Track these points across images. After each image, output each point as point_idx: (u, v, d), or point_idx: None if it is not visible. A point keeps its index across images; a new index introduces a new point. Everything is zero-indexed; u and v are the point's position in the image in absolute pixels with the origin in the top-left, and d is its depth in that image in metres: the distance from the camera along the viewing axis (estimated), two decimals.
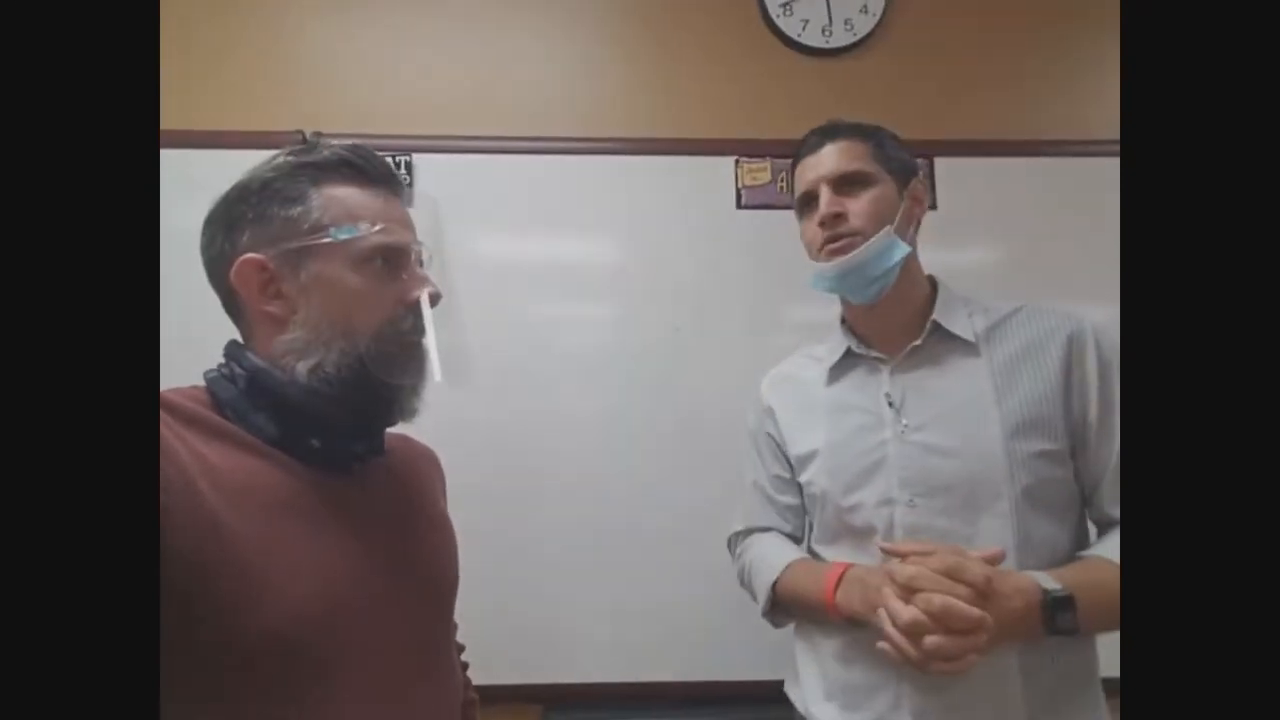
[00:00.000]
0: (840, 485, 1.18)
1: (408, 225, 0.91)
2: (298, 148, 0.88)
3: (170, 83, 1.79)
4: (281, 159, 0.87)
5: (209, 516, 0.70)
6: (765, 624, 1.29)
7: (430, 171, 1.90)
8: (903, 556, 1.03)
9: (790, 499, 1.31)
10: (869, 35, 2.05)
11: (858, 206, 1.16)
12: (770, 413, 1.33)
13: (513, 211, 1.93)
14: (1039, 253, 1.96)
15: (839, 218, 1.16)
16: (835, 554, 1.21)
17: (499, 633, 1.74)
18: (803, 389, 1.30)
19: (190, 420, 0.77)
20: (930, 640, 0.94)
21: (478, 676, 1.11)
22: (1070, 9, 2.07)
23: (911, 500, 1.12)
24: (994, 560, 1.00)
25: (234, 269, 0.82)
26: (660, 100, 2.03)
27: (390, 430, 0.94)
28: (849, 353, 1.24)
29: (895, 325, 1.21)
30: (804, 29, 2.04)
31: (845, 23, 2.04)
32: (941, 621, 0.94)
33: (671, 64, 2.04)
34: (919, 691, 1.09)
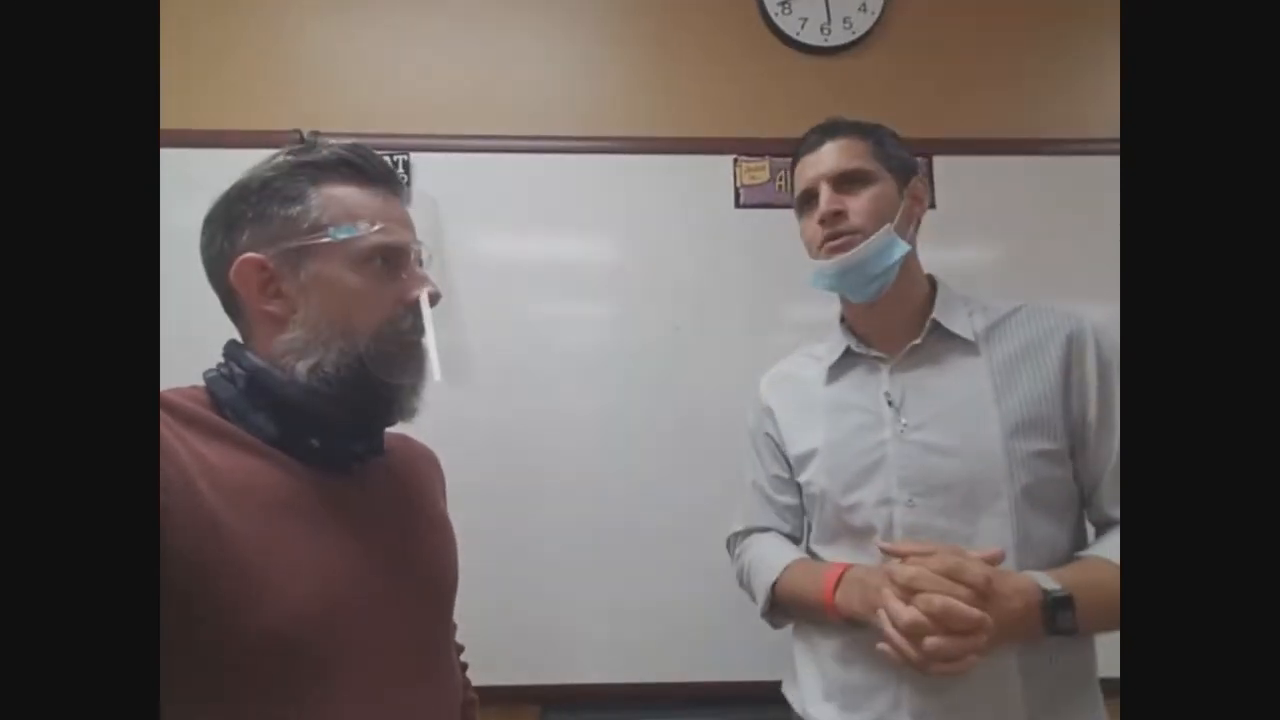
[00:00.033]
0: (839, 485, 1.18)
1: (407, 225, 0.91)
2: (297, 147, 0.88)
3: (170, 82, 1.79)
4: (281, 158, 0.87)
5: (209, 516, 0.70)
6: (764, 624, 1.29)
7: (429, 171, 1.90)
8: (902, 557, 1.03)
9: (789, 499, 1.31)
10: (868, 34, 2.05)
11: (858, 204, 1.16)
12: (769, 412, 1.33)
13: (512, 211, 1.93)
14: (1037, 252, 1.95)
15: (839, 215, 1.16)
16: (834, 554, 1.21)
17: (497, 633, 1.74)
18: (802, 388, 1.30)
19: (190, 420, 0.77)
20: (930, 641, 0.93)
21: (476, 677, 1.11)
22: (1070, 8, 2.07)
23: (911, 500, 1.12)
24: (994, 560, 1.00)
25: (233, 268, 0.82)
26: (659, 99, 2.03)
27: (390, 430, 0.94)
28: (848, 352, 1.24)
29: (895, 324, 1.21)
30: (803, 27, 2.04)
31: (844, 21, 2.04)
32: (941, 622, 0.94)
33: (670, 63, 2.04)
34: (918, 692, 1.09)
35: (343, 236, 0.83)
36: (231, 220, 0.84)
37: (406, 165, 1.88)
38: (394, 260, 0.87)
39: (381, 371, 0.84)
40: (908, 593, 0.97)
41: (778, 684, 1.33)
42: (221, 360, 0.86)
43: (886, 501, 1.14)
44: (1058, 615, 0.98)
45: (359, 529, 0.85)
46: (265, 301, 0.83)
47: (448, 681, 0.95)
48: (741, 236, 1.94)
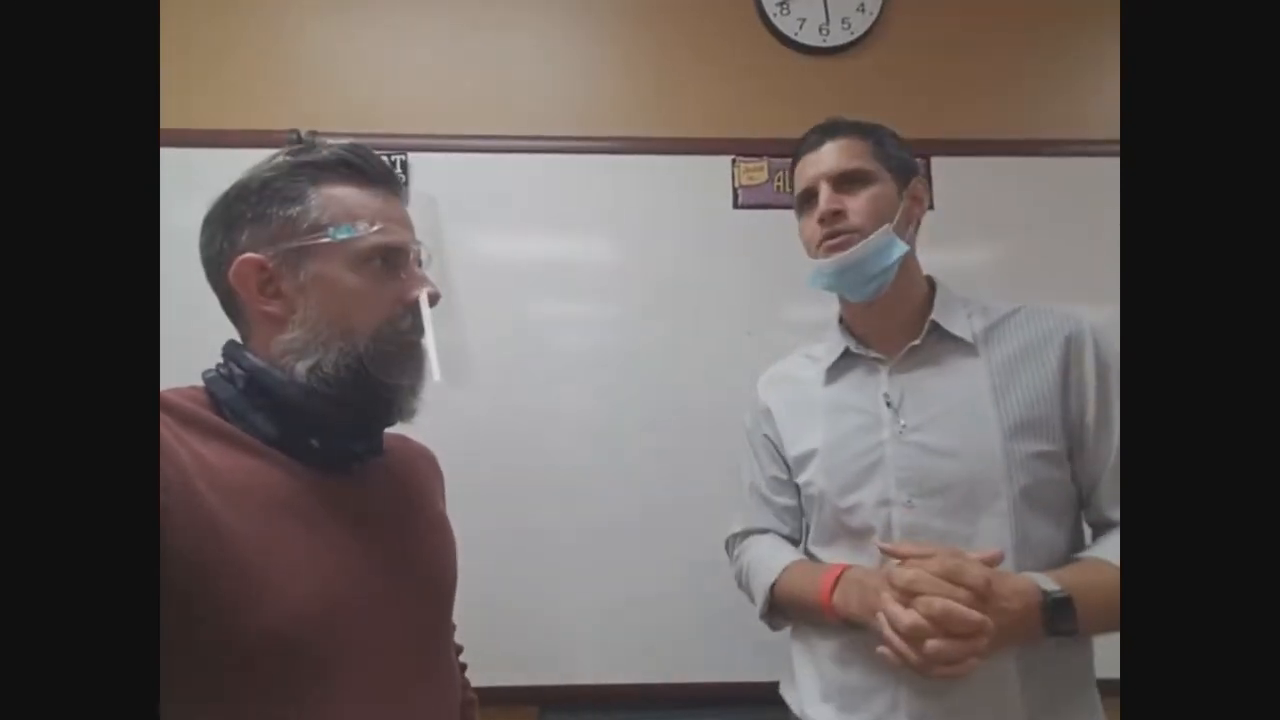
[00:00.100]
0: (838, 486, 1.18)
1: (407, 225, 0.91)
2: (297, 147, 0.88)
3: (170, 81, 1.79)
4: (280, 158, 0.87)
5: (208, 517, 0.70)
6: (762, 625, 1.29)
7: (427, 171, 1.90)
8: (902, 559, 1.03)
9: (788, 500, 1.30)
10: (866, 34, 2.05)
11: (857, 204, 1.16)
12: (767, 413, 1.32)
13: (510, 211, 1.93)
14: (1035, 253, 1.96)
15: (838, 215, 1.16)
16: (832, 555, 1.20)
17: (495, 633, 1.74)
18: (800, 389, 1.30)
19: (189, 420, 0.77)
20: (931, 644, 0.93)
21: (474, 677, 1.11)
22: (1069, 8, 2.07)
23: (910, 501, 1.12)
24: (992, 562, 1.00)
25: (232, 268, 0.82)
26: (657, 99, 2.03)
27: (388, 430, 0.94)
28: (847, 352, 1.24)
29: (894, 325, 1.21)
30: (801, 28, 2.04)
31: (842, 21, 2.04)
32: (941, 625, 0.93)
33: (668, 63, 2.04)
34: (916, 694, 1.08)
35: (342, 237, 0.83)
36: (231, 220, 0.84)
37: (404, 165, 1.88)
38: (393, 260, 0.87)
39: (381, 372, 0.84)
40: (907, 596, 0.97)
41: (776, 685, 1.32)
42: (221, 360, 0.86)
43: (885, 502, 1.13)
44: (1057, 616, 0.98)
45: (358, 529, 0.85)
46: (264, 302, 0.83)
47: (447, 681, 0.95)
48: (740, 237, 1.94)
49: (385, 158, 0.92)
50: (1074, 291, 1.88)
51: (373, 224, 0.85)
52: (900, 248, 1.15)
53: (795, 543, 1.31)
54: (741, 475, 1.39)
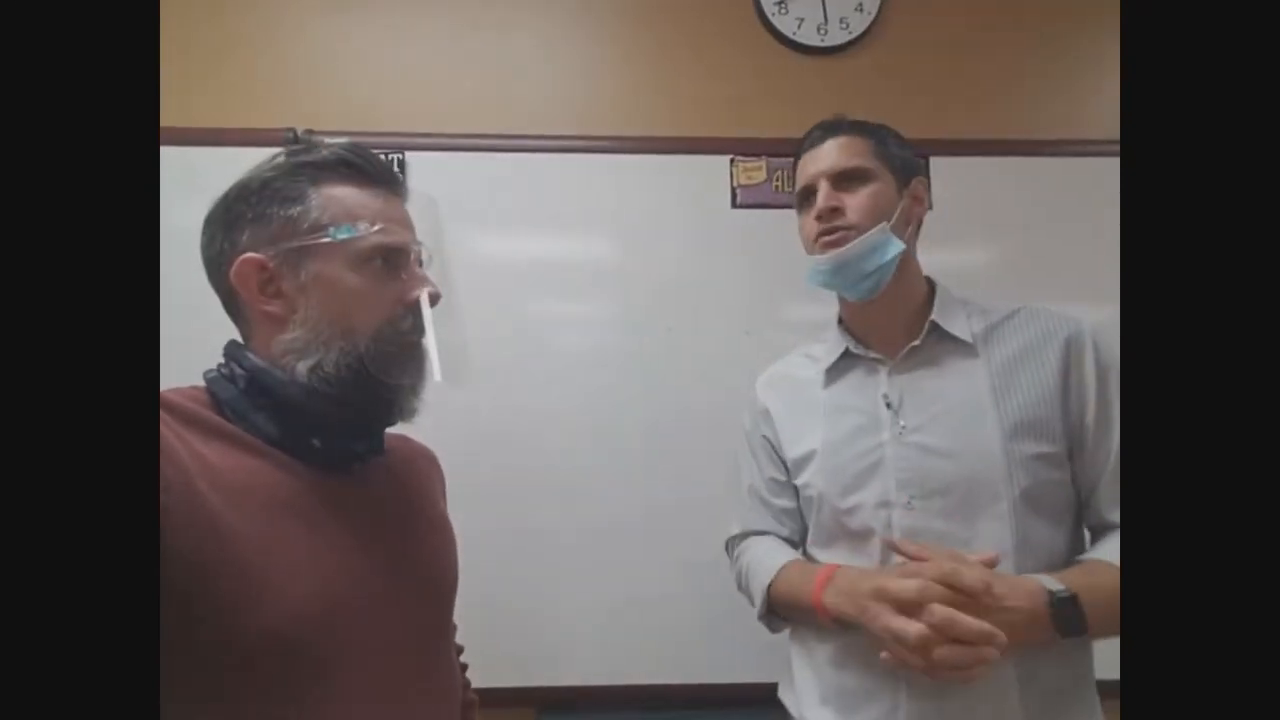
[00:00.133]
0: (837, 487, 1.18)
1: (407, 225, 0.91)
2: (297, 147, 0.88)
3: (170, 80, 1.78)
4: (281, 158, 0.87)
5: (208, 517, 0.70)
6: (761, 627, 1.29)
7: (425, 170, 1.88)
8: (910, 556, 1.03)
9: (786, 502, 1.30)
10: (865, 33, 2.05)
11: (855, 202, 1.16)
12: (766, 414, 1.32)
13: (507, 210, 1.92)
14: (1035, 253, 1.95)
15: (835, 212, 1.16)
16: (832, 557, 1.20)
17: (493, 634, 1.73)
18: (799, 389, 1.30)
19: (190, 420, 0.77)
20: (938, 652, 0.94)
21: (472, 678, 1.11)
22: (1068, 8, 2.07)
23: (909, 502, 1.12)
24: (990, 564, 1.00)
25: (233, 268, 0.82)
26: (656, 99, 2.03)
27: (389, 430, 0.94)
28: (847, 353, 1.24)
29: (893, 325, 1.21)
30: (799, 27, 2.04)
31: (841, 21, 2.04)
32: (944, 632, 0.94)
33: (667, 62, 2.04)
34: (916, 698, 1.08)
35: (343, 237, 0.83)
36: (231, 220, 0.84)
37: (401, 164, 1.88)
38: (394, 260, 0.87)
39: (381, 372, 0.84)
40: (904, 607, 0.98)
41: (775, 686, 1.32)
42: (222, 360, 0.86)
43: (885, 504, 1.13)
44: (1066, 617, 0.98)
45: (359, 529, 0.85)
46: (265, 301, 0.83)
47: (448, 682, 0.95)
48: (738, 236, 1.94)
49: (382, 156, 0.92)
50: (1073, 292, 1.88)
51: (373, 224, 0.85)
52: (896, 246, 1.15)
53: (795, 545, 1.30)
54: (740, 477, 1.38)
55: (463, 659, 1.09)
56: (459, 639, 1.07)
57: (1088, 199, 1.93)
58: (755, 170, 1.97)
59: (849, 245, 1.15)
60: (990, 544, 1.06)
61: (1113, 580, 0.99)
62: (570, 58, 2.03)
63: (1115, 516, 1.10)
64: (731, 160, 1.97)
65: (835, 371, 1.25)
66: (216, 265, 0.85)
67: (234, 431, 0.80)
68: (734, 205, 1.96)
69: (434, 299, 0.89)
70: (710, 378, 1.88)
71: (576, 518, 1.85)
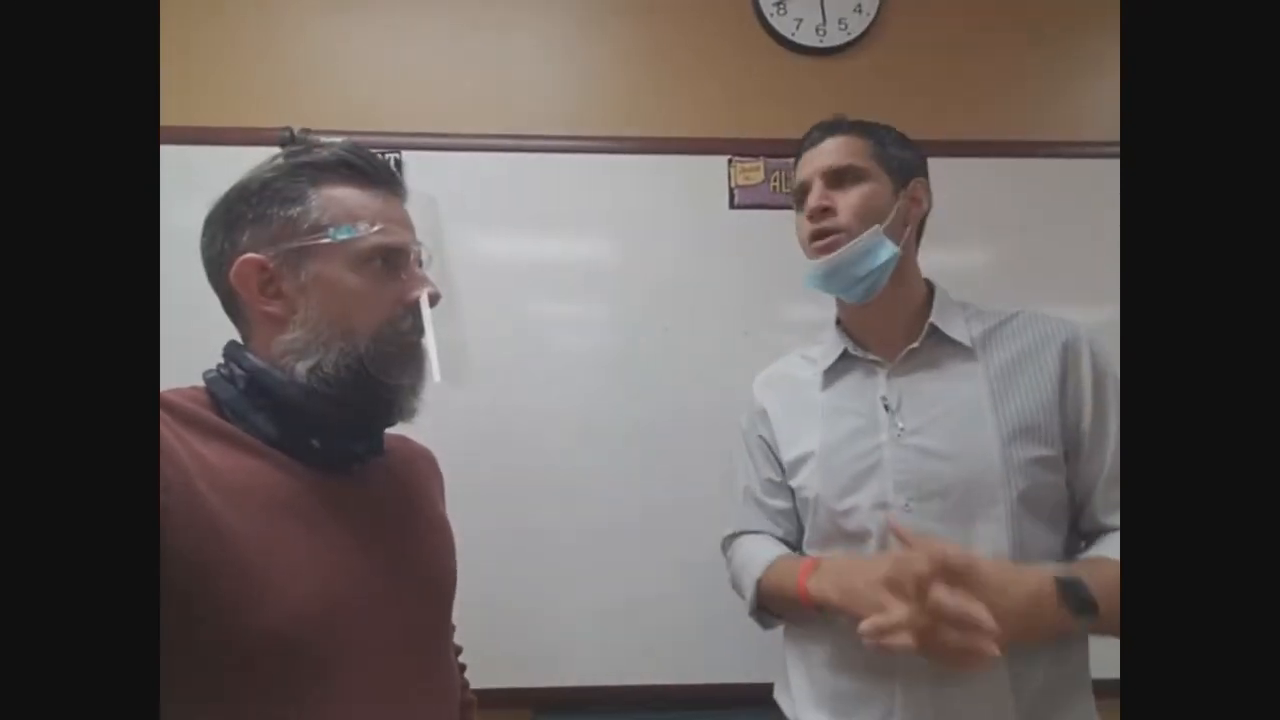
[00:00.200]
0: (834, 489, 1.18)
1: (407, 225, 0.91)
2: (297, 148, 0.88)
3: (169, 79, 1.77)
4: (281, 159, 0.87)
5: (208, 517, 0.70)
6: (756, 628, 1.29)
7: (425, 170, 1.89)
8: (909, 544, 1.00)
9: (782, 503, 1.30)
10: (863, 34, 2.04)
11: (846, 202, 1.16)
12: (763, 414, 1.32)
13: (505, 210, 1.92)
14: (1032, 254, 1.95)
15: (826, 211, 1.16)
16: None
17: (489, 635, 1.73)
18: (797, 390, 1.30)
19: (189, 420, 0.77)
20: (936, 636, 0.91)
21: (470, 679, 1.11)
22: (1067, 8, 2.07)
23: (907, 504, 1.11)
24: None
25: (233, 269, 0.83)
26: (654, 99, 2.03)
27: (389, 431, 0.94)
28: (845, 354, 1.24)
29: (892, 327, 1.21)
30: (798, 28, 2.04)
31: (839, 22, 2.04)
32: (937, 614, 0.91)
33: (665, 63, 2.03)
34: (911, 701, 1.08)
35: (343, 237, 0.83)
36: (231, 221, 0.84)
37: (398, 164, 1.87)
38: (394, 261, 0.87)
39: (381, 372, 0.84)
40: (894, 587, 0.96)
41: (771, 686, 1.32)
42: (221, 361, 0.86)
43: (882, 505, 1.13)
44: (1076, 594, 0.96)
45: (359, 529, 0.85)
46: (265, 302, 0.83)
47: (447, 682, 0.95)
48: (736, 237, 1.94)
49: (378, 155, 0.92)
50: (1071, 294, 1.89)
51: (373, 224, 0.85)
52: (889, 249, 1.15)
53: (791, 546, 1.30)
54: (737, 477, 1.38)
55: (461, 659, 1.09)
56: (457, 639, 1.07)
57: (1085, 201, 1.93)
58: (753, 171, 1.96)
59: (841, 250, 1.15)
60: (987, 547, 1.06)
61: (1116, 573, 0.97)
62: (569, 58, 2.03)
63: (1110, 521, 1.09)
64: (729, 161, 1.96)
65: (833, 373, 1.25)
66: (216, 266, 0.85)
67: (233, 432, 0.80)
68: (731, 206, 1.95)
69: (434, 299, 0.89)
70: (708, 378, 1.88)
71: (574, 518, 1.84)
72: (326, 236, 0.83)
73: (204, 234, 0.86)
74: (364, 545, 0.85)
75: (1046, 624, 0.97)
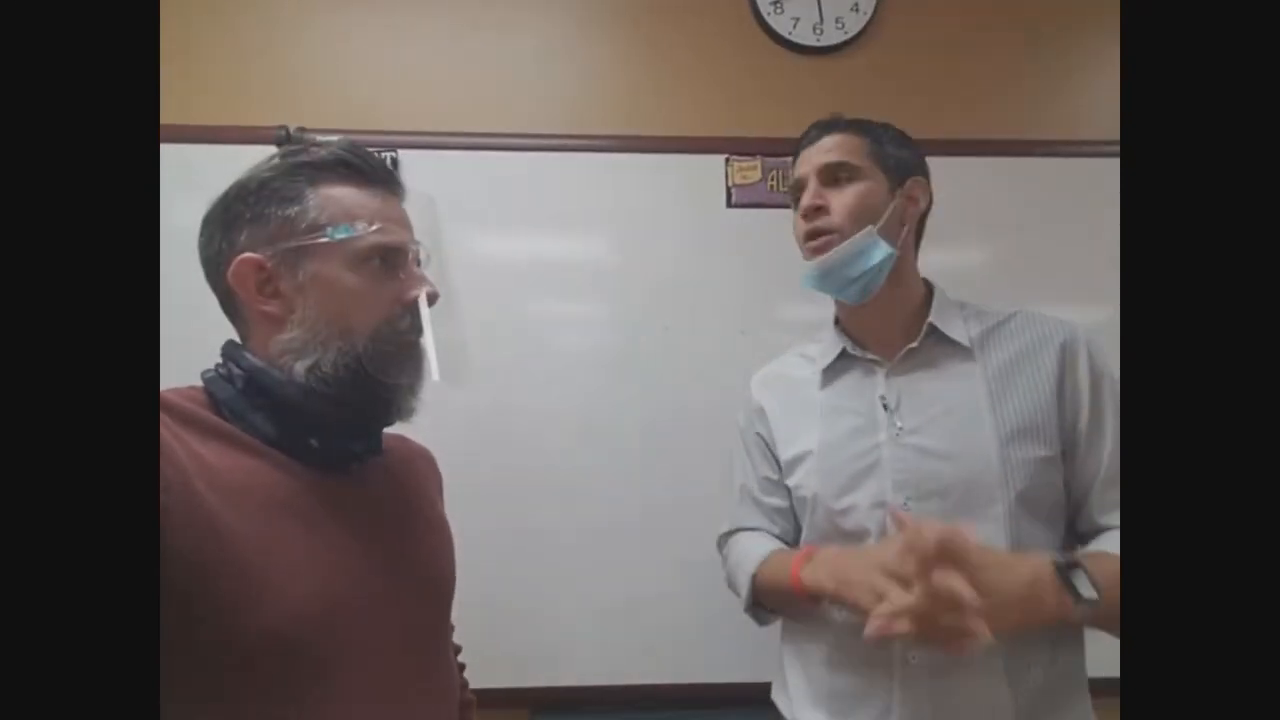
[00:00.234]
0: (833, 488, 1.18)
1: (405, 225, 0.91)
2: (295, 147, 0.88)
3: (169, 78, 1.76)
4: (279, 158, 0.87)
5: (208, 517, 0.70)
6: (754, 627, 1.29)
7: (422, 169, 1.88)
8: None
9: (779, 501, 1.29)
10: (860, 33, 2.05)
11: (840, 201, 1.16)
12: (761, 412, 1.32)
13: (503, 209, 1.92)
14: (1029, 254, 1.95)
15: (819, 211, 1.16)
16: None
17: (487, 635, 1.72)
18: (795, 388, 1.29)
19: (188, 420, 0.77)
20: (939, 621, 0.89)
21: (469, 679, 1.11)
22: (1066, 8, 2.07)
23: (906, 503, 1.11)
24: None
25: (231, 268, 0.82)
26: (651, 98, 2.03)
27: (387, 430, 0.94)
28: (844, 354, 1.24)
29: (890, 327, 1.21)
30: (795, 27, 2.04)
31: (836, 21, 2.04)
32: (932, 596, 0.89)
33: (662, 62, 2.03)
34: (908, 699, 1.09)
35: (340, 236, 0.83)
36: (229, 220, 0.84)
37: (394, 162, 1.87)
38: (392, 260, 0.87)
39: (379, 371, 0.84)
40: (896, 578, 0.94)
41: (768, 686, 1.32)
42: (220, 360, 0.86)
43: (880, 505, 1.13)
44: (1075, 579, 0.94)
45: (358, 529, 0.85)
46: (263, 301, 0.83)
47: (446, 682, 0.95)
48: (733, 236, 1.94)
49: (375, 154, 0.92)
50: (1068, 293, 1.89)
51: (371, 224, 0.85)
52: (883, 250, 1.15)
53: (787, 545, 1.29)
54: (734, 475, 1.38)
55: (460, 659, 1.09)
56: (457, 639, 1.07)
57: (1083, 200, 1.94)
58: (750, 170, 1.96)
59: (833, 251, 1.15)
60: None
61: (1116, 566, 0.95)
62: (568, 58, 2.03)
63: (1106, 521, 1.09)
64: (726, 160, 1.96)
65: (832, 372, 1.25)
66: (214, 265, 0.85)
67: (232, 431, 0.80)
68: (729, 205, 1.95)
69: (432, 299, 0.89)
70: (707, 377, 1.88)
71: (574, 517, 1.84)
72: (324, 236, 0.83)
73: (202, 234, 0.86)
74: (363, 545, 0.85)
75: (1048, 608, 0.95)
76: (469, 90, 1.98)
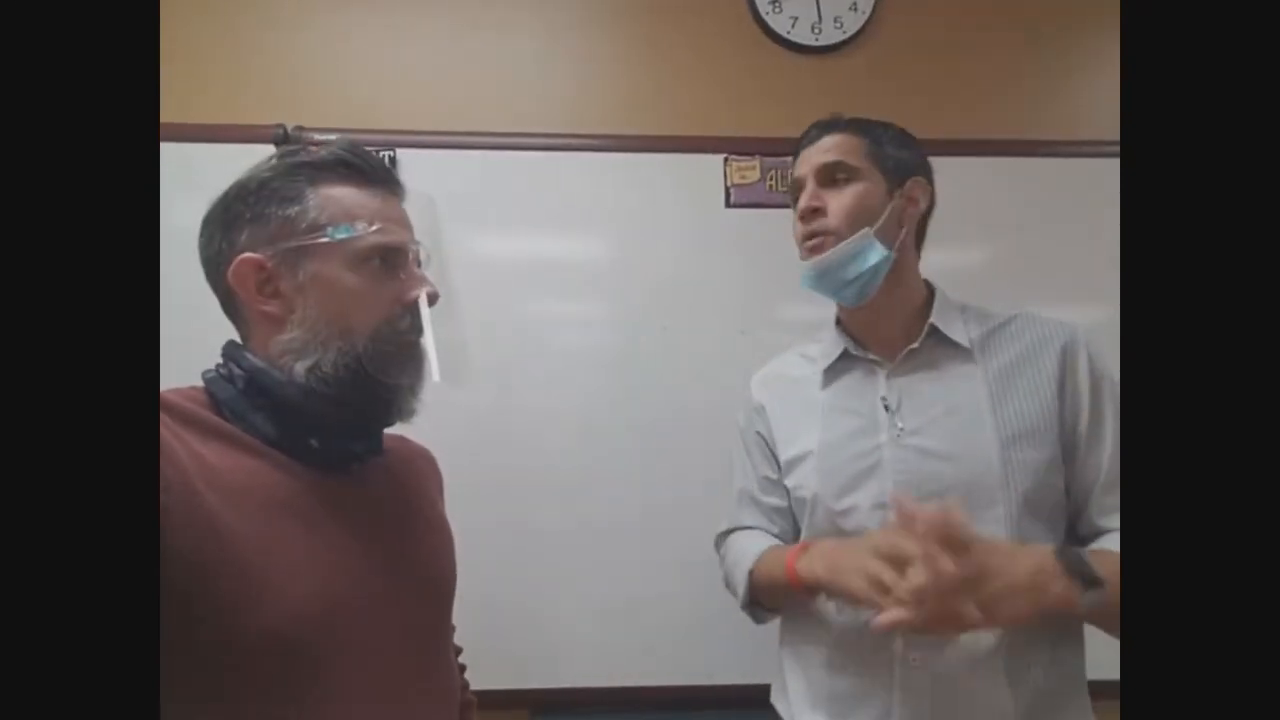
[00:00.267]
0: (833, 488, 1.17)
1: (405, 225, 0.90)
2: (294, 147, 0.88)
3: (168, 77, 1.77)
4: (279, 158, 0.87)
5: (208, 517, 0.70)
6: (755, 628, 1.29)
7: (422, 169, 1.88)
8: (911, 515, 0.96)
9: (778, 500, 1.29)
10: (859, 33, 2.05)
11: (837, 202, 1.15)
12: (761, 411, 1.31)
13: (503, 209, 1.92)
14: (1029, 254, 1.95)
15: (816, 212, 1.16)
16: None
17: (486, 635, 1.73)
18: (795, 388, 1.29)
19: (188, 420, 0.77)
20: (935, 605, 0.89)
21: (469, 680, 1.11)
22: (1065, 8, 2.07)
23: None
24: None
25: (231, 268, 0.82)
26: (650, 98, 2.03)
27: (387, 430, 0.94)
28: (845, 354, 1.24)
29: (891, 328, 1.21)
30: (793, 26, 2.04)
31: (835, 20, 2.04)
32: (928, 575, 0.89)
33: (661, 61, 2.03)
34: (908, 701, 1.08)
35: (341, 236, 0.83)
36: (229, 220, 0.84)
37: (392, 161, 1.87)
38: (392, 260, 0.87)
39: (380, 372, 0.84)
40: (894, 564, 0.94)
41: (768, 688, 1.32)
42: (220, 360, 0.86)
43: (882, 506, 1.12)
44: (1079, 568, 0.94)
45: (358, 529, 0.85)
46: (263, 302, 0.83)
47: (447, 682, 0.95)
48: (732, 236, 1.94)
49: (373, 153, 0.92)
50: (1068, 293, 1.89)
51: (371, 224, 0.85)
52: (879, 252, 1.14)
53: (785, 544, 1.28)
54: (733, 474, 1.38)
55: (461, 659, 1.08)
56: (457, 639, 1.07)
57: (1083, 200, 1.94)
58: (749, 170, 1.96)
59: (829, 253, 1.14)
60: None
61: (1117, 563, 0.94)
62: (567, 57, 2.03)
63: (1106, 524, 1.09)
64: (725, 159, 1.96)
65: (833, 372, 1.25)
66: (214, 265, 0.85)
67: (232, 432, 0.80)
68: (728, 205, 1.95)
69: (432, 299, 0.89)
70: (706, 377, 1.88)
71: (574, 517, 1.84)
72: (324, 236, 0.83)
73: (202, 234, 0.86)
74: (363, 545, 0.84)
75: (1054, 596, 0.94)
76: (469, 90, 1.98)
